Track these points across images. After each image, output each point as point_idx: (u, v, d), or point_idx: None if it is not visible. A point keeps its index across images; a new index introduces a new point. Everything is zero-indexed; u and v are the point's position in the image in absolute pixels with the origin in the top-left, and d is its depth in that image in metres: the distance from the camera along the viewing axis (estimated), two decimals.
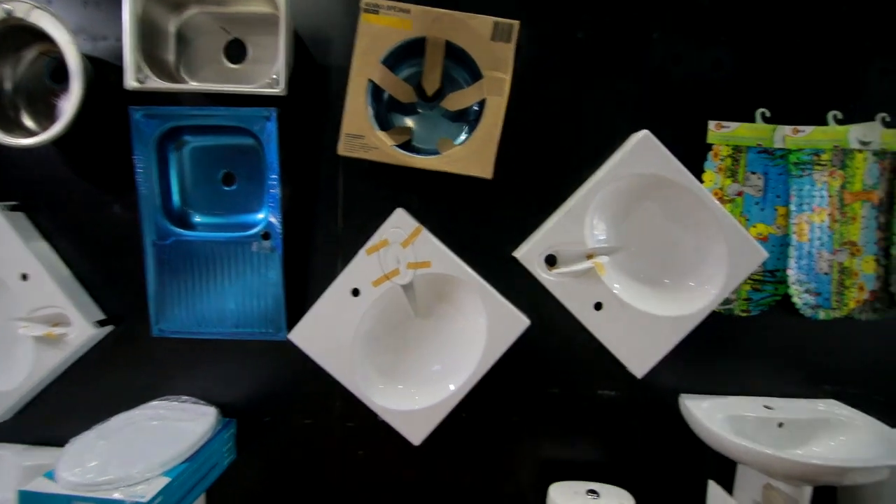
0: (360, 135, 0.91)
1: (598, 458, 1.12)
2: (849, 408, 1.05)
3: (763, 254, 0.96)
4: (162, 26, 1.04)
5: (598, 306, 0.97)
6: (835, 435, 0.99)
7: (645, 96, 1.04)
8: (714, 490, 0.99)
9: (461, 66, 0.98)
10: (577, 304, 0.98)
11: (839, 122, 1.02)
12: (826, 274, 1.03)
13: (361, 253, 0.97)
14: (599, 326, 0.98)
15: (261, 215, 1.03)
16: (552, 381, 1.11)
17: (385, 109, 1.00)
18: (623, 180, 0.95)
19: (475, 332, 1.00)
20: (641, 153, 0.93)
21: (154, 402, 1.06)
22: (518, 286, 1.01)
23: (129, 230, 1.04)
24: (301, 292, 1.05)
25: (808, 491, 0.92)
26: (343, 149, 0.92)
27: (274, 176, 0.98)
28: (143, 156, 1.00)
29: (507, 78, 0.90)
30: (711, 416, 1.00)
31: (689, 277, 0.99)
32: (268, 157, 0.97)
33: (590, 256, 1.00)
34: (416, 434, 0.99)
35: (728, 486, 1.05)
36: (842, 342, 1.08)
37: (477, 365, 0.99)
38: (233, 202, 1.05)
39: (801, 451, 0.99)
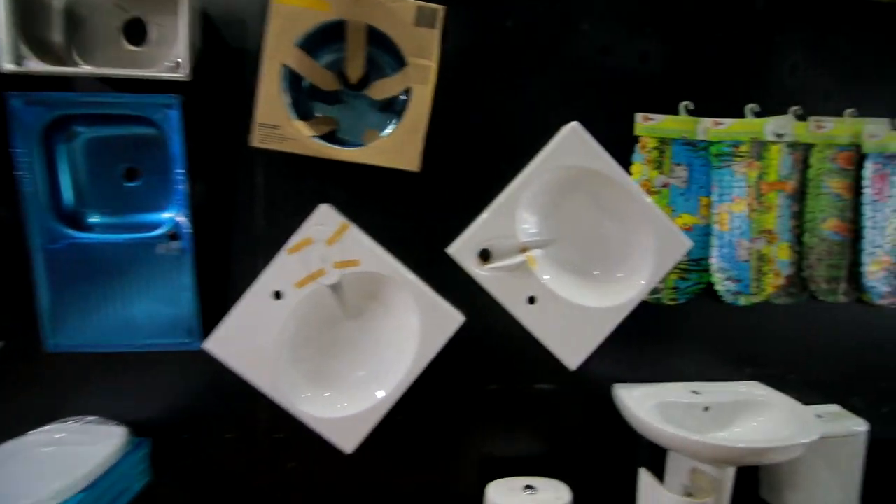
0: (275, 124, 0.84)
1: (537, 452, 1.12)
2: (768, 388, 1.10)
3: (688, 243, 0.98)
4: (45, 1, 0.91)
5: (531, 300, 0.96)
6: (755, 415, 1.04)
7: (576, 88, 1.03)
8: (645, 477, 1.01)
9: (387, 52, 0.93)
10: (510, 298, 0.96)
11: (756, 115, 1.06)
12: (746, 261, 1.07)
13: (283, 253, 0.91)
14: (533, 320, 0.96)
15: (168, 214, 0.93)
16: (490, 377, 1.09)
17: (306, 98, 0.94)
18: (553, 173, 0.94)
19: (408, 330, 0.96)
20: (570, 145, 0.93)
21: (49, 427, 0.95)
22: (453, 282, 0.98)
23: (12, 233, 0.91)
24: (218, 297, 0.97)
25: (731, 471, 0.96)
26: (257, 139, 0.85)
27: (180, 170, 0.89)
28: (26, 148, 0.88)
29: (433, 65, 0.86)
30: (642, 404, 1.02)
31: (618, 268, 1.00)
32: (172, 148, 0.88)
33: (524, 250, 0.99)
34: (348, 442, 0.94)
35: (660, 472, 1.08)
36: (761, 326, 1.13)
37: (411, 365, 0.95)
38: (136, 200, 0.94)
39: (725, 434, 1.03)
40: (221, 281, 0.98)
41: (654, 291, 1.06)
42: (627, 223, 0.98)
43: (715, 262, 1.05)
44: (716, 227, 1.05)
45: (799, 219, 1.10)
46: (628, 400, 1.03)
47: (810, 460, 1.02)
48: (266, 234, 0.98)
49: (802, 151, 1.09)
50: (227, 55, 0.95)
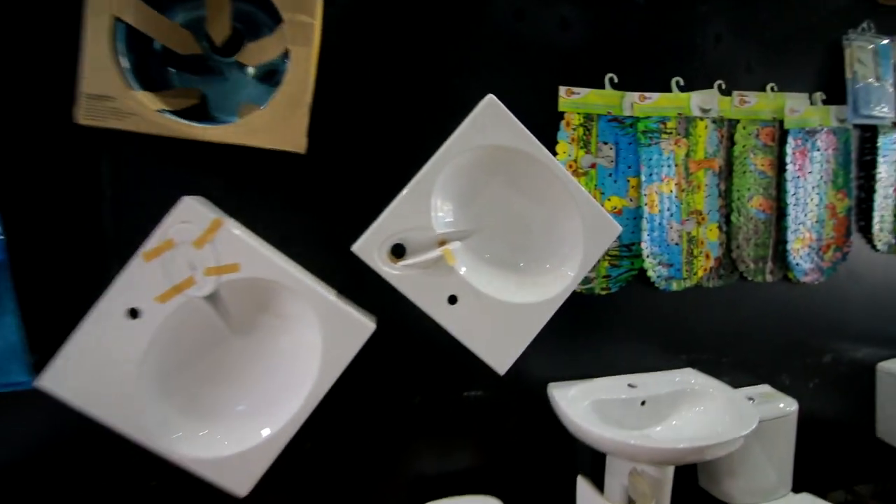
0: (108, 95, 0.65)
1: (470, 465, 1.01)
2: (703, 375, 1.06)
3: (617, 228, 0.90)
4: None
5: (452, 300, 0.84)
6: (692, 406, 0.99)
7: (492, 57, 0.92)
8: (583, 486, 0.94)
9: (261, 8, 0.76)
10: (428, 299, 0.84)
11: (681, 88, 1.00)
12: (676, 244, 1.02)
13: (136, 260, 0.72)
14: (455, 322, 0.85)
15: None
16: (413, 388, 0.96)
17: (158, 64, 0.75)
18: (469, 153, 0.82)
19: (310, 345, 0.81)
20: (487, 122, 0.81)
21: None
22: (362, 283, 0.85)
23: None
24: (58, 322, 0.76)
25: (670, 470, 0.90)
26: (83, 114, 0.65)
27: None
28: None
29: (315, 22, 0.71)
30: (577, 404, 0.94)
31: (545, 259, 0.90)
32: None
33: (442, 243, 0.86)
34: (240, 484, 0.78)
35: (600, 476, 1.01)
36: (693, 311, 1.09)
37: (314, 385, 0.80)
38: None
39: (661, 428, 0.97)
40: (60, 300, 0.77)
41: (586, 281, 0.98)
42: (554, 209, 0.88)
43: (646, 246, 0.99)
44: (646, 209, 0.98)
45: (726, 198, 1.06)
46: (562, 401, 0.94)
47: (747, 446, 0.99)
48: (116, 238, 0.78)
49: (727, 128, 1.05)
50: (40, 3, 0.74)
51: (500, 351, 0.87)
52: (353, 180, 0.87)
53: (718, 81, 1.03)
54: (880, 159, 1.17)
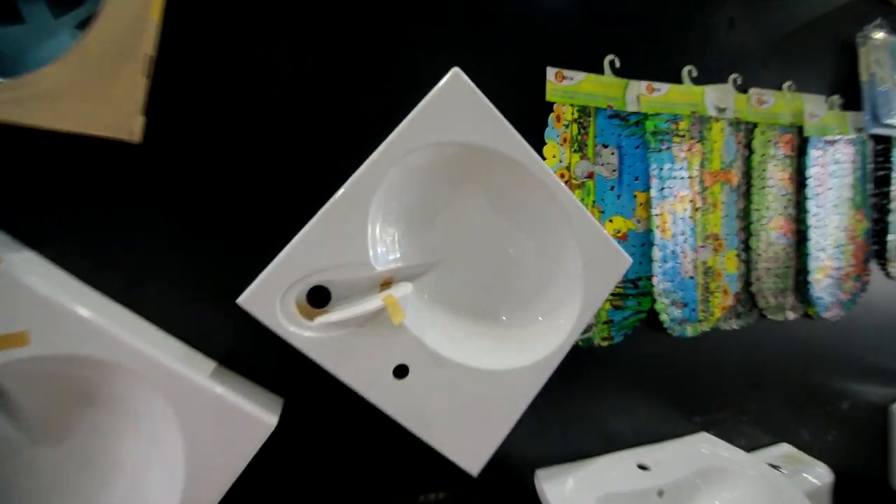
0: None
1: None
2: (723, 443, 0.84)
3: (627, 260, 0.66)
4: None
5: (400, 371, 0.57)
6: (721, 489, 0.76)
7: (461, 25, 0.66)
8: None
9: None
10: (363, 372, 0.55)
11: (694, 81, 0.80)
12: (691, 278, 0.80)
13: None
14: (405, 406, 0.57)
15: None
16: (345, 496, 0.67)
17: None
18: (424, 154, 0.55)
19: (169, 454, 0.50)
20: (450, 107, 0.55)
21: None
22: (267, 343, 0.55)
23: None
24: None
25: None
26: None
27: None
28: None
29: None
30: (579, 500, 0.68)
31: (531, 304, 0.65)
32: None
33: (386, 284, 0.59)
34: None
35: None
36: (708, 360, 0.87)
37: None
38: None
39: None
40: None
41: (585, 330, 0.74)
42: (544, 234, 0.63)
43: (658, 281, 0.76)
44: (657, 233, 0.75)
45: (745, 219, 0.86)
46: (558, 499, 0.68)
47: None
48: None
49: (745, 133, 0.85)
50: None
51: (471, 442, 0.60)
52: (251, 190, 0.58)
53: (734, 75, 0.83)
54: (895, 175, 1.02)
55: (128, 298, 0.53)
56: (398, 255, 0.59)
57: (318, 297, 0.58)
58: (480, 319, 0.63)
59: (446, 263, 0.63)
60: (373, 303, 0.53)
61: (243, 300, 0.51)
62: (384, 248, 0.58)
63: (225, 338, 0.57)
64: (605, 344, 0.76)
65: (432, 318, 0.60)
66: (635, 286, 0.77)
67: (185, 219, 0.56)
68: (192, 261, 0.56)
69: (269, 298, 0.52)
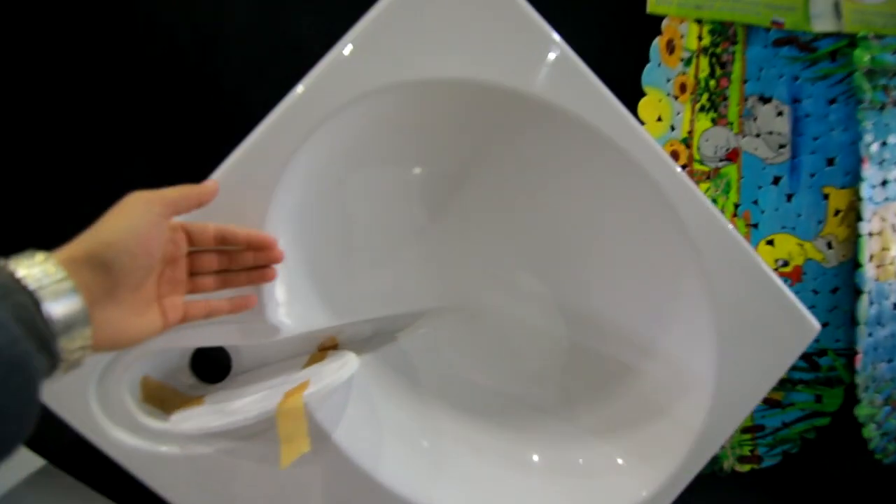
0: None
1: None
2: None
3: (812, 328, 0.33)
4: None
5: None
6: None
7: None
8: None
9: None
10: None
11: None
12: None
13: None
14: None
15: None
16: None
17: None
18: (379, 101, 0.27)
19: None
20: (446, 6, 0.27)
21: None
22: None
23: None
24: None
25: None
26: None
27: None
28: None
29: None
30: None
31: (602, 439, 0.32)
32: None
33: (325, 349, 0.32)
34: None
35: None
36: None
37: None
38: None
39: None
40: None
41: None
42: (635, 273, 0.32)
43: (865, 362, 0.40)
44: (868, 270, 0.39)
45: None
46: None
47: None
48: None
49: None
50: None
51: None
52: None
53: None
54: None
55: None
56: (336, 302, 0.31)
57: (211, 365, 0.33)
58: (506, 429, 0.33)
59: (436, 320, 0.34)
60: (259, 407, 0.26)
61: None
62: (307, 283, 0.31)
63: None
64: (743, 468, 0.42)
65: (405, 423, 0.31)
66: (813, 367, 0.41)
67: None
68: None
69: (77, 377, 0.27)
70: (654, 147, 0.29)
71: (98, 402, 0.28)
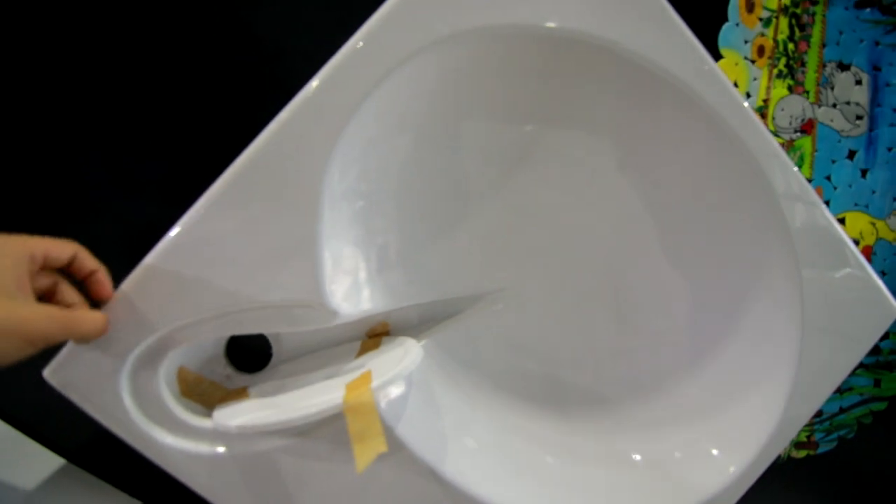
0: None
1: None
2: None
3: (893, 309, 0.31)
4: None
5: None
6: None
7: None
8: None
9: None
10: None
11: None
12: None
13: None
14: None
15: None
16: None
17: None
18: (449, 54, 0.23)
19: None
20: None
21: None
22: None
23: None
24: None
25: None
26: None
27: None
28: None
29: None
30: None
31: (679, 403, 0.30)
32: None
33: (377, 335, 0.29)
34: None
35: None
36: None
37: None
38: None
39: None
40: None
41: None
42: (714, 249, 0.29)
43: None
44: None
45: None
46: None
47: None
48: None
49: None
50: None
51: None
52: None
53: None
54: None
55: None
56: (397, 280, 0.28)
57: (247, 352, 0.30)
58: (572, 421, 0.30)
59: (497, 299, 0.31)
60: (319, 401, 0.23)
61: (52, 373, 0.24)
62: (365, 263, 0.27)
63: None
64: (799, 454, 0.41)
65: (468, 416, 0.29)
66: (874, 350, 0.40)
67: None
68: None
69: (106, 369, 0.24)
70: (751, 115, 0.26)
71: (132, 398, 0.24)
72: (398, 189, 0.25)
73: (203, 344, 0.29)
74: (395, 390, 0.24)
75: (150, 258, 0.23)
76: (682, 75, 0.26)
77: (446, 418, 0.29)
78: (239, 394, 0.28)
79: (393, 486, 0.26)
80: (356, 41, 0.22)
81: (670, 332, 0.30)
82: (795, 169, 0.28)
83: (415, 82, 0.23)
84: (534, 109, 0.25)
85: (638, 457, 0.29)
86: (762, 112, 0.35)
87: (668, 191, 0.28)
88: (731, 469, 0.30)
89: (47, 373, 0.24)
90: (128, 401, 0.24)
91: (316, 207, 0.23)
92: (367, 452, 0.22)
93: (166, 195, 0.28)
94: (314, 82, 0.22)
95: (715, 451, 0.30)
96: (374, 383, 0.24)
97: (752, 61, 0.34)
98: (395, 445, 0.26)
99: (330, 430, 0.26)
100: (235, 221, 0.23)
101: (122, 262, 0.24)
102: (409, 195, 0.25)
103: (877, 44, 0.35)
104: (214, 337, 0.28)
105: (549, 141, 0.26)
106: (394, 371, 0.25)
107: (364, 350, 0.30)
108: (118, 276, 0.24)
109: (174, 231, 0.23)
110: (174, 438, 0.25)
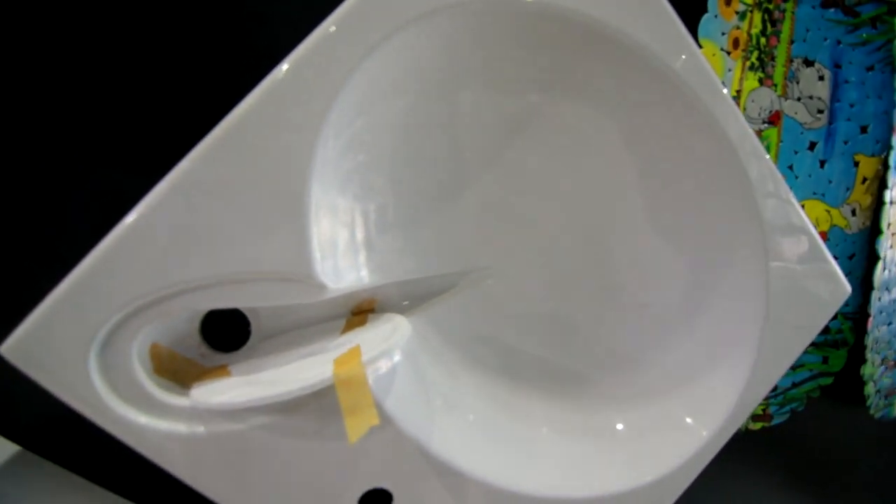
0: None
1: None
2: None
3: (844, 290, 0.33)
4: None
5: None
6: None
7: None
8: None
9: None
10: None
11: None
12: None
13: None
14: None
15: None
16: None
17: None
18: (452, 21, 0.23)
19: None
20: None
21: None
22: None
23: None
24: None
25: None
26: None
27: None
28: None
29: None
30: None
31: (657, 372, 0.32)
32: None
33: (362, 312, 0.29)
34: None
35: None
36: None
37: None
38: None
39: None
40: None
41: None
42: (692, 227, 0.31)
43: (875, 325, 0.42)
44: (886, 238, 0.41)
45: None
46: None
47: None
48: None
49: None
50: None
51: None
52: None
53: None
54: None
55: None
56: (388, 254, 0.28)
57: (223, 329, 0.29)
58: (556, 395, 0.31)
59: (488, 276, 0.31)
60: (306, 376, 0.22)
61: (11, 349, 0.22)
62: (354, 234, 0.27)
63: None
64: (755, 426, 0.44)
65: (454, 392, 0.29)
66: (823, 329, 0.43)
67: None
68: None
69: (74, 345, 0.22)
70: (730, 101, 0.28)
71: (102, 376, 0.23)
72: (392, 157, 0.24)
73: (177, 320, 0.27)
74: (386, 364, 0.24)
75: (120, 227, 0.22)
76: (669, 60, 0.26)
77: (433, 393, 0.29)
78: (219, 371, 0.27)
79: (379, 461, 0.26)
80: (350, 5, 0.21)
81: (652, 307, 0.31)
82: (768, 157, 0.29)
83: (411, 49, 0.23)
84: (531, 80, 0.25)
85: (620, 426, 0.30)
86: (735, 98, 0.37)
87: (654, 170, 0.29)
88: (704, 433, 0.32)
89: (5, 349, 0.22)
90: (97, 379, 0.23)
91: (306, 173, 0.22)
92: (358, 424, 0.21)
93: (143, 162, 0.27)
94: (306, 43, 0.21)
95: (689, 420, 0.32)
96: (364, 357, 0.23)
97: (728, 53, 0.36)
98: (384, 420, 0.26)
99: (314, 405, 0.25)
100: (216, 186, 0.22)
101: (92, 232, 0.22)
102: (404, 164, 0.25)
103: (838, 42, 0.38)
104: (189, 312, 0.26)
105: (546, 111, 0.27)
106: (384, 345, 0.24)
107: (350, 327, 0.29)
108: (88, 246, 0.22)
109: (148, 198, 0.22)
110: (148, 418, 0.24)
